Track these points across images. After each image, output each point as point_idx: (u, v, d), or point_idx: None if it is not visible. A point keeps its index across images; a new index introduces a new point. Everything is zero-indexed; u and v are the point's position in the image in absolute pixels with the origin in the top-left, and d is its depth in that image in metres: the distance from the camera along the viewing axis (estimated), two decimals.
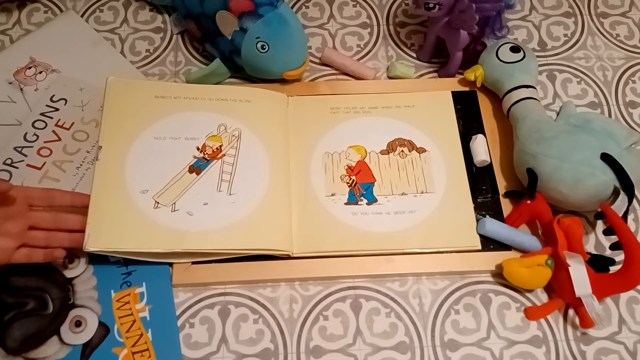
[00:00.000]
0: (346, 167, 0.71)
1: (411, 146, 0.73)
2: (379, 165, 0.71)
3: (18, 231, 0.59)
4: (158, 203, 0.65)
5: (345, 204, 0.69)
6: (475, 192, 0.70)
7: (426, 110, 0.75)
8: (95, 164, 0.65)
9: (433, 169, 0.71)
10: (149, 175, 0.66)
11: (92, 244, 0.61)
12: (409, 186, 0.70)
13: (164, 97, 0.71)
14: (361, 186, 0.70)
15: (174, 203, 0.65)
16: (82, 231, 0.61)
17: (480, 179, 0.71)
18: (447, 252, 0.67)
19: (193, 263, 0.65)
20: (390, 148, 0.73)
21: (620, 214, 0.60)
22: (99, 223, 0.62)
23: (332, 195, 0.69)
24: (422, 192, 0.70)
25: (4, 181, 0.57)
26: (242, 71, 0.77)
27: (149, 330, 0.62)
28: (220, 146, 0.69)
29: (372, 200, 0.69)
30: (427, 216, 0.68)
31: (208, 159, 0.69)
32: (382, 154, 0.72)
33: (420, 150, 0.72)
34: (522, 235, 0.67)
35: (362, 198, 0.69)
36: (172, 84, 0.77)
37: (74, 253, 0.65)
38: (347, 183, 0.70)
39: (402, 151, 0.72)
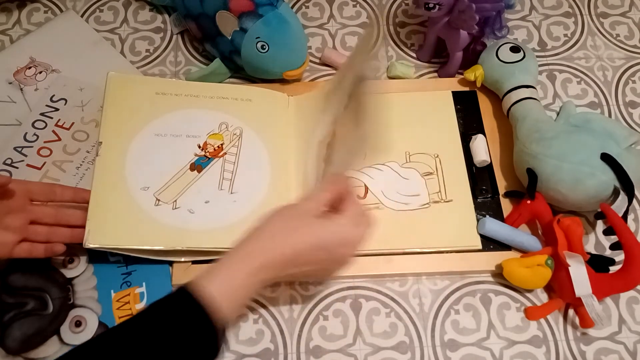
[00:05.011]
0: None
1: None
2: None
3: (19, 225, 0.59)
4: (159, 200, 0.65)
5: None
6: (475, 192, 0.70)
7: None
8: (96, 159, 0.65)
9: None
10: (150, 172, 0.66)
11: (92, 240, 0.61)
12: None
13: (164, 94, 0.71)
14: None
15: (175, 200, 0.65)
16: (83, 227, 0.61)
17: (480, 179, 0.71)
18: (447, 251, 0.67)
19: (193, 262, 0.65)
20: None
21: (620, 214, 0.60)
22: (99, 219, 0.62)
23: None
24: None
25: (1, 175, 0.57)
26: (242, 71, 0.77)
27: None
28: (222, 144, 0.69)
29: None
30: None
31: (209, 157, 0.69)
32: None
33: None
34: (522, 235, 0.67)
35: None
36: (173, 81, 0.77)
37: (74, 253, 0.65)
38: None
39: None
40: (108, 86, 0.69)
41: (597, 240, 0.70)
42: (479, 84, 0.75)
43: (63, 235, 0.62)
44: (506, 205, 0.70)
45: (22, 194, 0.60)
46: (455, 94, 0.77)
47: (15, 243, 0.59)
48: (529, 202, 0.66)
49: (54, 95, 0.75)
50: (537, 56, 0.80)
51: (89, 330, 0.62)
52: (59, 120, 0.73)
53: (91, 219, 0.62)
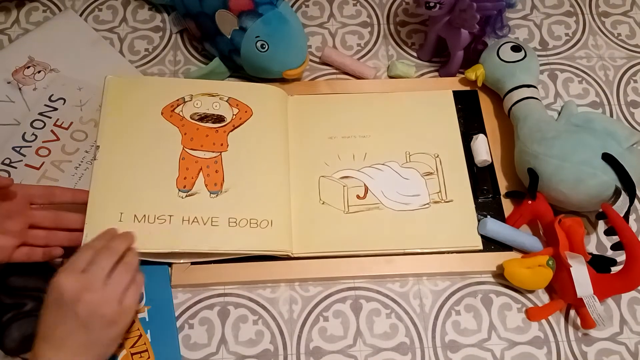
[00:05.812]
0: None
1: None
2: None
3: (18, 230, 0.59)
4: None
5: None
6: (476, 192, 0.70)
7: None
8: (93, 163, 0.65)
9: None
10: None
11: None
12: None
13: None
14: None
15: None
16: (82, 230, 0.61)
17: (481, 179, 0.71)
18: (448, 252, 0.66)
19: (192, 263, 0.65)
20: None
21: (622, 214, 0.60)
22: (96, 223, 0.62)
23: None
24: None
25: (4, 177, 0.57)
26: (241, 70, 0.77)
27: (148, 331, 0.62)
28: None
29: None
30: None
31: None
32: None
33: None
34: (523, 236, 0.66)
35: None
36: (172, 80, 0.76)
37: (74, 253, 0.65)
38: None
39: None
40: (106, 90, 0.69)
41: (598, 241, 0.69)
42: (479, 84, 0.74)
43: (62, 239, 0.62)
44: (507, 206, 0.70)
45: (22, 198, 0.60)
46: (456, 94, 0.76)
47: (14, 247, 0.59)
48: (530, 202, 0.66)
49: (52, 95, 0.75)
50: (539, 55, 0.80)
51: None
52: (58, 120, 0.73)
53: (89, 223, 0.62)
